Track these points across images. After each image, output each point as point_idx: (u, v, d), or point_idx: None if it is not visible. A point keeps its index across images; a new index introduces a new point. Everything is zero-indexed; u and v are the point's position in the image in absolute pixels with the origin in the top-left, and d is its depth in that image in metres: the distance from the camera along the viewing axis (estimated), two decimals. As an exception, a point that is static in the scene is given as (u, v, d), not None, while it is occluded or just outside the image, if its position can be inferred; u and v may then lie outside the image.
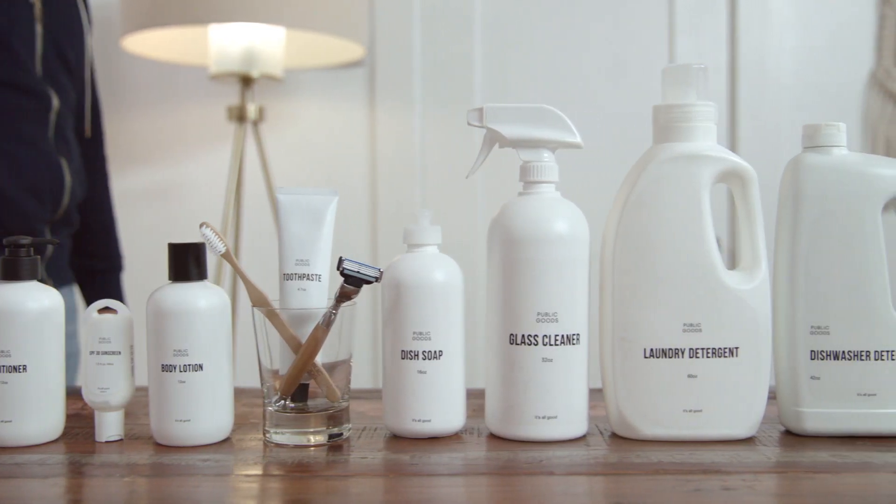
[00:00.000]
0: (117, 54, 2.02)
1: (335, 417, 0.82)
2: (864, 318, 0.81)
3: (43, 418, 0.82)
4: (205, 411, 0.80)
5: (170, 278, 0.82)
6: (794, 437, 0.82)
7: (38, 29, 1.36)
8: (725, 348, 0.80)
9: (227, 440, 0.83)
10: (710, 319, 0.80)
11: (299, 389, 0.82)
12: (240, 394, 1.03)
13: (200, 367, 0.79)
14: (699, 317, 0.80)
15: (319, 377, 0.81)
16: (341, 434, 0.82)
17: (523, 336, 0.80)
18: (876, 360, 0.81)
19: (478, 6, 2.18)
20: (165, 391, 0.80)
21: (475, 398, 0.92)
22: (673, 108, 0.82)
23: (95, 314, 0.83)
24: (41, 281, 1.40)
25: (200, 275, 0.82)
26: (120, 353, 0.82)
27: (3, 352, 0.80)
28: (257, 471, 0.74)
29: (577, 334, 0.81)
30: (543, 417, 0.81)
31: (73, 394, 0.91)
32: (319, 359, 0.81)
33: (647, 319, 0.81)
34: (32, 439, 0.81)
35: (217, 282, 1.82)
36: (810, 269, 0.81)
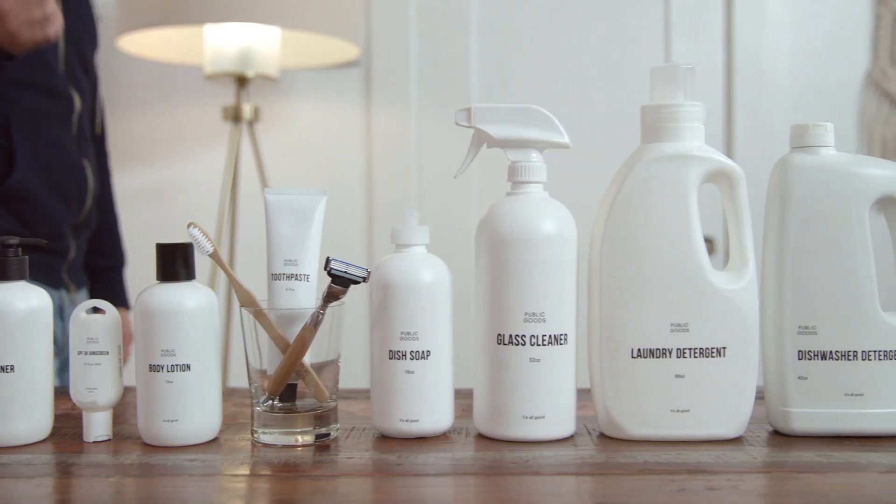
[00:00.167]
0: (113, 54, 2.02)
1: (323, 417, 0.82)
2: (852, 319, 0.81)
3: (30, 418, 0.82)
4: (192, 411, 0.80)
5: (158, 278, 0.82)
6: (781, 437, 0.82)
7: None
8: (713, 348, 0.80)
9: (215, 440, 0.83)
10: (697, 319, 0.80)
11: (287, 389, 0.82)
12: (232, 394, 1.04)
13: (188, 367, 0.80)
14: (687, 317, 0.80)
15: (307, 377, 0.82)
16: (328, 434, 0.82)
17: (511, 336, 0.80)
18: (863, 360, 0.81)
19: (474, 6, 2.18)
20: (153, 391, 0.80)
21: (466, 398, 0.92)
22: (661, 108, 0.82)
23: (83, 314, 0.83)
24: (65, 285, 1.40)
25: (188, 275, 0.82)
26: (108, 353, 0.82)
27: (-10, 352, 0.80)
28: (244, 471, 0.74)
29: (565, 334, 0.81)
30: (531, 417, 0.81)
31: (63, 394, 0.92)
32: (308, 359, 0.81)
33: (634, 319, 0.81)
34: (20, 439, 0.81)
35: (212, 282, 1.82)
36: (798, 269, 0.81)
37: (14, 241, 0.82)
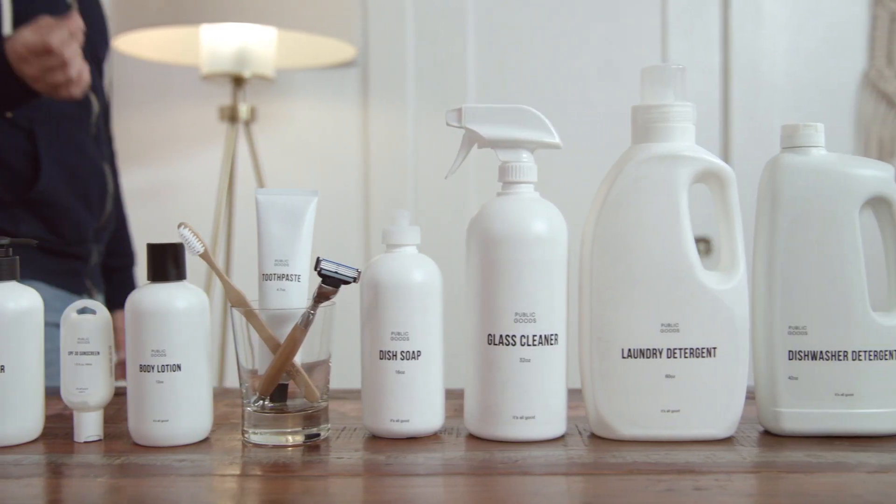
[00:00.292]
0: (109, 54, 2.02)
1: (313, 417, 0.82)
2: (842, 319, 0.81)
3: (21, 419, 0.82)
4: (183, 411, 0.80)
5: (148, 278, 0.82)
6: (772, 437, 0.82)
7: None
8: (703, 348, 0.80)
9: (205, 440, 0.83)
10: (687, 320, 0.80)
11: (278, 389, 0.82)
12: (224, 394, 1.04)
13: (178, 367, 0.80)
14: (677, 317, 0.80)
15: (298, 377, 0.82)
16: (318, 434, 0.82)
17: (501, 336, 0.80)
18: (853, 360, 0.81)
19: (471, 6, 2.18)
20: (143, 391, 0.80)
21: (457, 398, 0.92)
22: (651, 108, 0.82)
23: (74, 314, 0.83)
24: (87, 290, 1.40)
25: (179, 275, 0.82)
26: (98, 353, 0.82)
27: (-19, 352, 0.80)
28: (234, 471, 0.74)
29: (555, 334, 0.81)
30: (521, 418, 0.81)
31: (54, 394, 0.91)
32: (298, 359, 0.81)
33: (624, 319, 0.81)
34: (10, 440, 0.81)
35: (207, 282, 1.82)
36: (788, 270, 0.81)
37: (5, 241, 0.83)
